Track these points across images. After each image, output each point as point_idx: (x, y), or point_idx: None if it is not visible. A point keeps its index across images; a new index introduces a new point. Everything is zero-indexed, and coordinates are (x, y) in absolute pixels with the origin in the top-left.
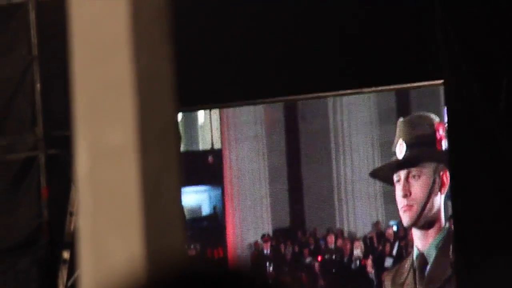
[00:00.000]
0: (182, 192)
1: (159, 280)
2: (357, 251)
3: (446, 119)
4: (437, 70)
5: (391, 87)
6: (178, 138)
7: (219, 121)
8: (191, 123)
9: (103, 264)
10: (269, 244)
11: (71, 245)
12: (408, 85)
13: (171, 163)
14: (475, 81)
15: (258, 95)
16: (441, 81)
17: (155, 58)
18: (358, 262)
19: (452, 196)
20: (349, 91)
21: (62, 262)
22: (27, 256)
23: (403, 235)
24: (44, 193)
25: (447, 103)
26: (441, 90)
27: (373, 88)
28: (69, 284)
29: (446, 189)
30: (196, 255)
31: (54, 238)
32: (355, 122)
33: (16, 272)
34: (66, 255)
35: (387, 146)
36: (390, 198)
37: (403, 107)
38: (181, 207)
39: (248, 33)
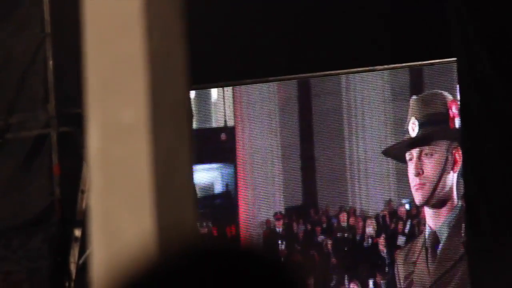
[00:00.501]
0: (194, 170)
1: (170, 257)
2: (370, 229)
3: (459, 97)
4: (450, 47)
5: (404, 64)
6: (190, 116)
7: (232, 98)
8: (204, 100)
9: (114, 241)
10: (281, 222)
11: (83, 223)
12: (422, 62)
13: (183, 141)
14: (487, 59)
15: (271, 73)
16: (454, 59)
17: (168, 36)
18: (370, 240)
19: (464, 175)
20: (362, 68)
21: (73, 240)
22: (38, 234)
23: (416, 213)
24: (56, 170)
25: (459, 81)
26: (455, 67)
27: (386, 66)
28: (80, 262)
29: (458, 167)
30: (208, 232)
31: (65, 216)
32: (368, 100)
33: (28, 250)
34: (77, 233)
35: (400, 124)
36: (402, 176)
37: (416, 85)
38: (193, 184)
39: (261, 11)
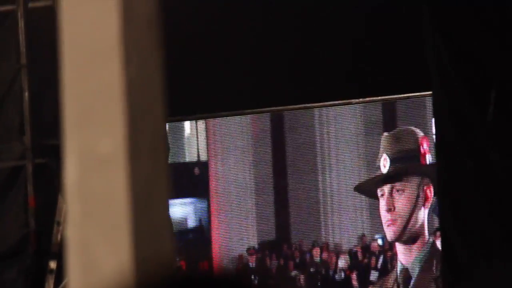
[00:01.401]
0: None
1: None
2: (342, 264)
3: (434, 131)
4: (425, 81)
5: (380, 98)
6: (167, 148)
7: (205, 131)
8: (177, 133)
9: (91, 273)
10: (254, 257)
11: (58, 255)
12: (396, 96)
13: (161, 173)
14: (464, 93)
15: (244, 106)
16: (429, 92)
17: (146, 67)
18: (343, 275)
19: (440, 209)
20: (336, 102)
21: (48, 272)
22: (13, 266)
23: (388, 248)
24: (31, 202)
25: (435, 115)
26: (428, 102)
27: (361, 99)
28: None
29: (430, 203)
30: (182, 267)
31: (41, 248)
32: (342, 134)
33: (3, 282)
34: (53, 265)
35: (373, 158)
36: (375, 212)
37: (390, 119)
38: (169, 217)
39: (234, 45)
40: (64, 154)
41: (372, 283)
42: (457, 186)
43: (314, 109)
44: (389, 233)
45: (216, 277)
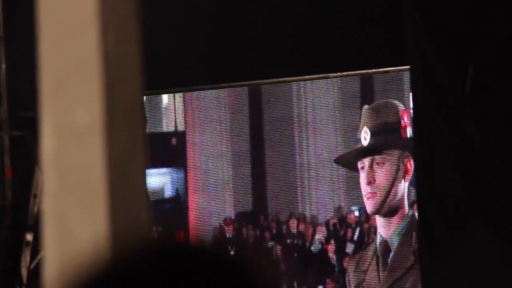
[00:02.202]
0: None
1: (124, 259)
2: (319, 236)
3: (411, 106)
4: (403, 55)
5: (357, 72)
6: (144, 120)
7: (183, 104)
8: (155, 105)
9: (68, 245)
10: (231, 227)
11: (35, 227)
12: (375, 70)
13: (138, 144)
14: (441, 67)
15: (222, 80)
16: (407, 67)
17: (123, 38)
18: (320, 246)
19: (416, 182)
20: (314, 76)
21: (25, 244)
22: None
23: (365, 220)
24: (8, 174)
25: (412, 89)
26: (406, 76)
27: (339, 73)
28: (32, 266)
29: (410, 176)
30: (159, 237)
31: (17, 220)
32: (320, 108)
33: None
34: (29, 237)
35: (352, 132)
36: (352, 184)
37: (368, 93)
38: (146, 188)
39: (213, 17)
40: (41, 126)
41: (348, 255)
42: (433, 159)
43: (292, 83)
44: (369, 206)
45: (192, 248)
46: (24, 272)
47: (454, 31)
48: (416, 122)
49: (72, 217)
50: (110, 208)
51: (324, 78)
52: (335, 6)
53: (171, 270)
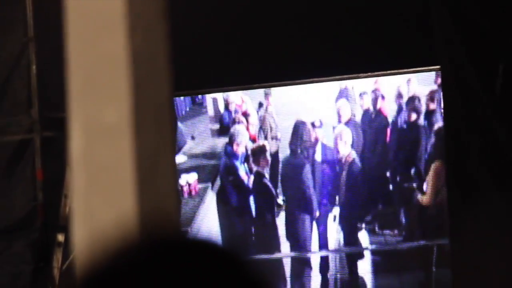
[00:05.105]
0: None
1: (152, 254)
2: None
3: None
4: (433, 55)
5: (387, 71)
6: (174, 119)
7: None
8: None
9: (97, 243)
10: None
11: (66, 228)
12: (405, 70)
13: (167, 142)
14: (471, 67)
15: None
16: (437, 67)
17: (151, 37)
18: None
19: (446, 182)
20: (345, 76)
21: (56, 245)
22: (21, 239)
23: None
24: (39, 175)
25: (443, 89)
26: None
27: (369, 73)
28: (64, 267)
29: None
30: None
31: (48, 221)
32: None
33: (10, 255)
34: (60, 238)
35: None
36: None
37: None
38: (176, 187)
39: (240, 18)
40: (69, 124)
41: None
42: (463, 159)
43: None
44: None
45: (217, 247)
46: (56, 272)
47: (483, 30)
48: (446, 121)
49: (101, 216)
50: (139, 206)
51: (355, 78)
52: (364, 5)
53: (198, 267)
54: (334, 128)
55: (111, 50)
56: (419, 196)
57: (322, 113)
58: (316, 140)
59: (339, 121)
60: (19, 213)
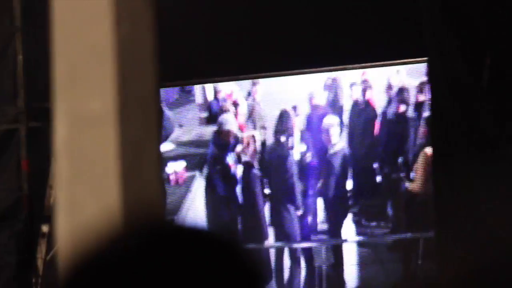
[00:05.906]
0: (162, 162)
1: (136, 242)
2: None
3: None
4: (420, 48)
5: (375, 63)
6: (159, 109)
7: None
8: None
9: (80, 232)
10: None
11: (51, 218)
12: (392, 61)
13: (151, 133)
14: (458, 59)
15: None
16: (425, 58)
17: (137, 26)
18: None
19: (434, 176)
20: (332, 67)
21: (41, 236)
22: (5, 230)
23: None
24: (24, 166)
25: (430, 80)
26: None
27: (357, 65)
28: (48, 258)
29: None
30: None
31: (33, 212)
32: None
33: None
34: (45, 228)
35: None
36: None
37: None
38: (161, 178)
39: (227, 10)
40: (54, 114)
41: None
42: (450, 151)
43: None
44: None
45: (201, 232)
46: (40, 263)
47: (471, 22)
48: (433, 113)
49: (86, 206)
50: (123, 197)
51: (343, 70)
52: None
53: (183, 253)
54: (322, 118)
55: (96, 40)
56: (407, 184)
57: (310, 103)
58: (302, 130)
59: (327, 112)
60: (3, 203)
